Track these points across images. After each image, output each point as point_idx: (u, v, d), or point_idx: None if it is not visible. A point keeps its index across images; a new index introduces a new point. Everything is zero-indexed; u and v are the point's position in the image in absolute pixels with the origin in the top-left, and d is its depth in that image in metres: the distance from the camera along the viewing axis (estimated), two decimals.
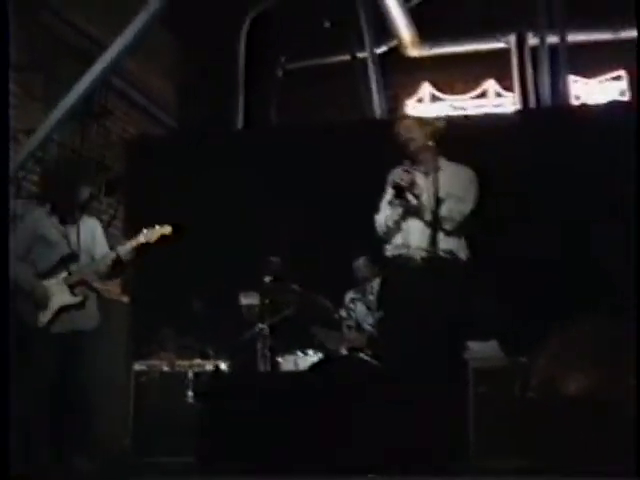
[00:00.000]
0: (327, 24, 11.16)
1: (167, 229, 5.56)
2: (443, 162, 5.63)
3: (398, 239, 5.58)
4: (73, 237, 5.49)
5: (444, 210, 5.42)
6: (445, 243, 5.42)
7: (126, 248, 5.49)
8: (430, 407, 5.04)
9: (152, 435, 5.93)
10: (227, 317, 6.90)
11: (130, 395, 6.45)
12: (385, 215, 5.63)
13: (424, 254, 5.44)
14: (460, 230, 5.44)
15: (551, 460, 5.09)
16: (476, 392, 5.64)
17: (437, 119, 5.48)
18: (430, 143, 5.60)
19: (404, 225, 5.56)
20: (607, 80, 11.83)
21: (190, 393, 5.91)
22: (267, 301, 6.34)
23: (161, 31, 8.97)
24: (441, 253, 5.41)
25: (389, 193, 5.64)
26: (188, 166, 8.15)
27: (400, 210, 5.56)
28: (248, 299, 6.90)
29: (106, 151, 8.06)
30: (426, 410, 5.03)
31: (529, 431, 5.26)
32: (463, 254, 5.50)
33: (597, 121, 7.72)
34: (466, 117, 10.50)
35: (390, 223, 5.58)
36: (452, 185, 5.42)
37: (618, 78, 11.79)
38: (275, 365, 6.21)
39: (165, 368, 6.07)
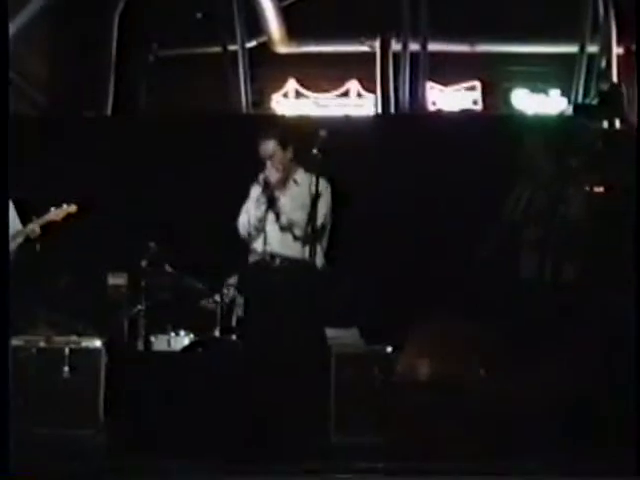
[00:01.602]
0: (199, 15, 11.41)
1: (73, 207, 5.88)
2: (300, 174, 6.05)
3: (258, 245, 6.00)
4: None
5: (296, 218, 5.89)
6: (299, 249, 5.87)
7: (33, 225, 5.70)
8: (294, 389, 5.47)
9: (29, 408, 6.07)
10: (102, 297, 7.09)
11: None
12: (249, 215, 6.01)
13: (281, 261, 5.93)
14: (310, 236, 5.76)
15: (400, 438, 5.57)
16: (337, 375, 6.07)
17: (319, 128, 5.78)
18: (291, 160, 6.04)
19: (265, 228, 5.95)
20: (462, 89, 12.57)
21: (66, 368, 6.10)
22: (143, 283, 6.58)
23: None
24: (296, 258, 5.87)
25: (255, 191, 6.00)
26: (61, 148, 8.17)
27: (263, 208, 5.95)
28: (115, 279, 7.13)
29: None
30: (290, 392, 5.45)
31: (383, 411, 5.74)
32: (319, 260, 5.86)
33: (450, 127, 8.13)
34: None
35: (253, 221, 5.98)
36: (305, 195, 5.78)
37: (472, 88, 12.55)
38: (148, 344, 6.47)
39: (42, 344, 6.23)
